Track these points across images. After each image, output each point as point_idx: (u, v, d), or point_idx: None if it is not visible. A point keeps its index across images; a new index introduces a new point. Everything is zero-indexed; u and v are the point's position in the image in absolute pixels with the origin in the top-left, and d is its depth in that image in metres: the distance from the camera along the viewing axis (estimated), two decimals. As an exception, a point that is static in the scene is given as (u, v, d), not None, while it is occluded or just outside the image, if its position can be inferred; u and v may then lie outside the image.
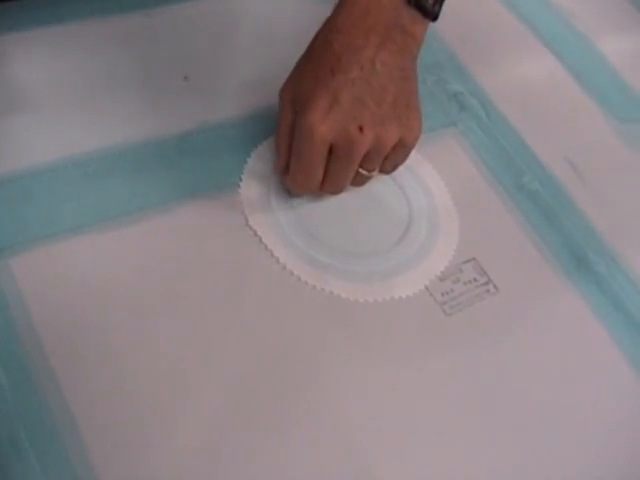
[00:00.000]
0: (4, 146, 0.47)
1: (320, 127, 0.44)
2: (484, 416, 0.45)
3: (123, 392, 0.41)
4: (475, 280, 0.51)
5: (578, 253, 0.54)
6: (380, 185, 0.53)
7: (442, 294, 0.49)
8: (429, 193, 0.54)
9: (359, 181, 0.50)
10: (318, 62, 0.46)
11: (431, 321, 0.48)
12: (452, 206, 0.54)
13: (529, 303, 0.51)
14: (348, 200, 0.52)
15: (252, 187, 0.50)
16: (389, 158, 0.49)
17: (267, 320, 0.45)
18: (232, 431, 0.41)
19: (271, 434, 0.42)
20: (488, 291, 0.51)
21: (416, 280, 0.49)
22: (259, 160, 0.51)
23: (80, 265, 0.44)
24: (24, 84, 0.51)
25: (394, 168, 0.51)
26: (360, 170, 0.48)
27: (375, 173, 0.49)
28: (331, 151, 0.45)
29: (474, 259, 0.52)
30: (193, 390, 0.42)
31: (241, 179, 0.50)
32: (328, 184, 0.48)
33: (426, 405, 0.45)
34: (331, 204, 0.51)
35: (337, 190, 0.49)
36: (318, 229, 0.50)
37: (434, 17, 0.48)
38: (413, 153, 0.55)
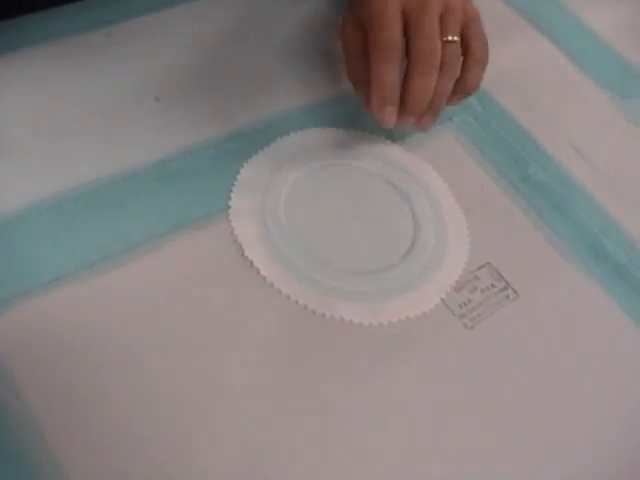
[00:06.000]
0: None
1: None
2: (521, 436, 0.42)
3: (120, 452, 0.37)
4: (493, 286, 0.47)
5: (595, 244, 0.51)
6: (380, 195, 0.49)
7: (460, 306, 0.46)
8: (432, 197, 0.50)
9: (449, 56, 0.48)
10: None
11: (452, 337, 0.44)
12: (458, 209, 0.50)
13: (551, 304, 0.47)
14: (348, 216, 0.48)
15: (243, 211, 0.46)
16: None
17: (276, 358, 0.41)
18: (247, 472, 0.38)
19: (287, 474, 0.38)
20: (507, 297, 0.47)
21: (430, 294, 0.46)
22: (248, 178, 0.47)
23: (63, 320, 0.40)
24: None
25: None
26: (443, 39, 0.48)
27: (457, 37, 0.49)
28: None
29: (488, 263, 0.48)
30: (204, 440, 0.38)
31: (229, 205, 0.46)
32: (417, 53, 0.47)
33: (456, 434, 0.41)
34: (331, 222, 0.47)
35: (433, 58, 0.47)
36: (319, 250, 0.46)
37: None
38: (410, 155, 0.52)
